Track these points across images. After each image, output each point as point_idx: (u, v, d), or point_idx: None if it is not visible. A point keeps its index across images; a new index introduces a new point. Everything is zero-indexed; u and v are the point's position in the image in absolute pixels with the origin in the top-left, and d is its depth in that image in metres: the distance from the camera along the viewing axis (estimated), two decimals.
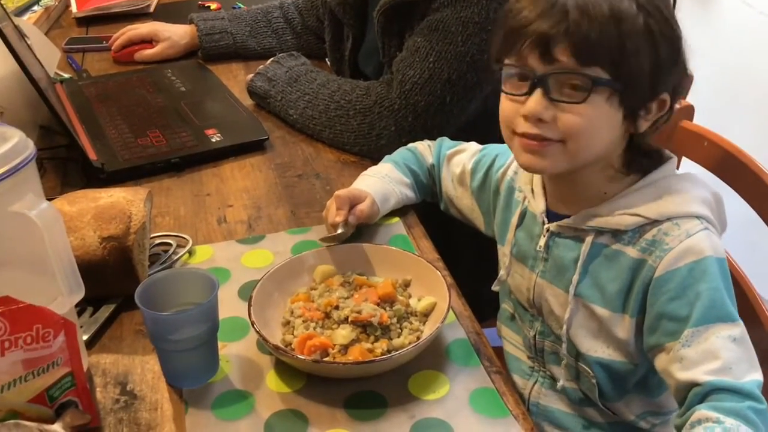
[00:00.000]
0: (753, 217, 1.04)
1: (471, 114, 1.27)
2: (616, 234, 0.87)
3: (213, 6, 1.96)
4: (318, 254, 1.01)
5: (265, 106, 1.45)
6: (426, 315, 0.94)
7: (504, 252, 1.01)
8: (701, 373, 0.78)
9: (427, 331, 0.91)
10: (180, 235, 1.11)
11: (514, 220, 0.99)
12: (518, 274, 0.99)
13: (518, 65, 0.84)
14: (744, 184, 1.06)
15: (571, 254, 0.91)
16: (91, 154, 1.26)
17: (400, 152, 1.17)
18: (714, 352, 0.79)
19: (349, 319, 0.90)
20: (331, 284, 0.97)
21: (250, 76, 1.47)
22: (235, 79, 1.60)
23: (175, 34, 1.71)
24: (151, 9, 1.98)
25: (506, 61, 0.85)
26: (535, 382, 1.01)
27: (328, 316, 0.92)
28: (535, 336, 0.99)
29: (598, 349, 0.91)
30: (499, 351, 0.99)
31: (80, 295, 0.82)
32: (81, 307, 0.96)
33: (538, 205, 0.95)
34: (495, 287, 1.04)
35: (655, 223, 0.85)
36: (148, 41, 1.72)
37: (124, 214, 0.96)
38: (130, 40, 1.71)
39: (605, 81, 0.80)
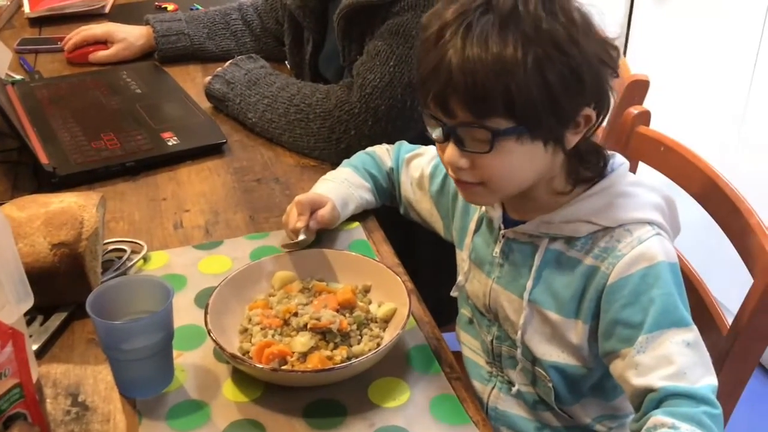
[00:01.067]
0: (708, 221, 1.06)
1: None
2: (570, 241, 0.87)
3: (170, 7, 1.93)
4: (277, 260, 1.00)
5: (223, 109, 1.43)
6: (386, 321, 0.93)
7: (462, 257, 1.01)
8: (656, 379, 0.79)
9: (388, 337, 0.90)
10: (135, 240, 1.09)
11: (472, 225, 0.99)
12: (476, 279, 0.99)
13: (431, 114, 0.84)
14: (699, 189, 1.07)
15: (525, 260, 0.91)
16: (43, 158, 1.23)
17: (359, 156, 1.16)
18: (668, 358, 0.79)
19: (308, 326, 0.88)
20: (290, 291, 0.96)
21: (208, 78, 1.45)
22: (193, 81, 1.58)
23: (131, 35, 1.68)
24: (107, 10, 1.95)
25: (424, 108, 0.85)
26: (493, 387, 1.01)
27: (286, 323, 0.90)
28: (492, 341, 0.98)
29: (552, 354, 0.91)
30: (458, 356, 0.98)
31: (29, 303, 0.80)
32: (31, 316, 0.93)
33: (494, 212, 0.95)
34: (453, 293, 1.04)
35: (607, 229, 0.85)
36: (103, 42, 1.68)
37: (75, 219, 0.94)
38: (84, 40, 1.68)
39: (505, 131, 0.79)
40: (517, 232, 0.91)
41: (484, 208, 0.97)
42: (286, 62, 1.62)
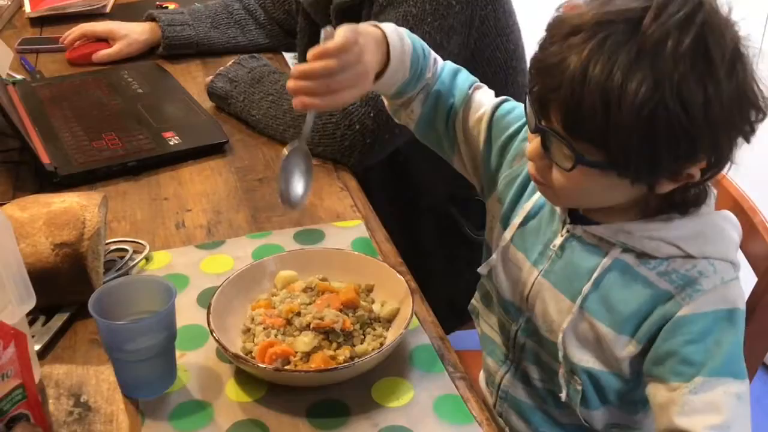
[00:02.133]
0: None
1: None
2: (643, 256, 0.83)
3: (171, 6, 1.93)
4: (279, 260, 0.99)
5: (225, 107, 1.42)
6: (389, 321, 0.93)
7: (503, 236, 0.95)
8: (700, 426, 0.76)
9: (391, 337, 0.90)
10: (136, 240, 1.08)
11: (527, 206, 0.93)
12: (514, 263, 0.94)
13: (529, 106, 0.81)
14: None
15: (587, 263, 0.86)
16: (44, 158, 1.23)
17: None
18: (718, 406, 0.77)
19: (312, 326, 0.88)
20: (292, 290, 0.96)
21: (210, 77, 1.44)
22: (194, 80, 1.57)
23: (134, 31, 1.67)
24: (107, 9, 1.94)
25: (528, 93, 0.81)
26: (507, 371, 0.99)
27: (289, 322, 0.90)
28: (517, 331, 0.95)
29: (590, 361, 0.87)
30: (462, 355, 0.97)
31: (31, 304, 0.79)
32: (33, 316, 0.93)
33: None
34: (483, 270, 0.97)
35: (689, 258, 0.81)
36: (104, 41, 1.68)
37: (77, 219, 0.93)
38: (84, 35, 1.67)
39: (591, 162, 0.76)
40: (588, 232, 0.86)
41: None
42: (294, 57, 1.61)
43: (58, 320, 0.93)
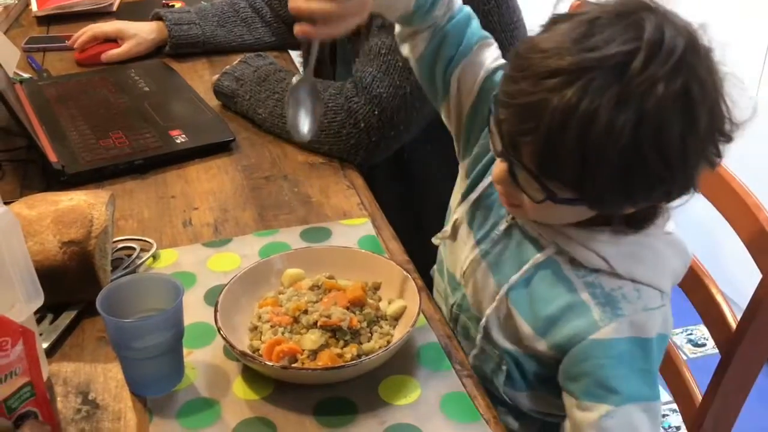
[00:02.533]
0: (716, 216, 1.05)
1: (433, 110, 1.27)
2: (575, 262, 0.83)
3: (177, 4, 1.93)
4: (286, 257, 0.99)
5: (231, 106, 1.43)
6: (396, 319, 0.93)
7: (459, 210, 0.95)
8: None
9: (398, 335, 0.90)
10: (144, 238, 1.08)
11: (485, 183, 0.93)
12: (461, 237, 0.95)
13: (494, 129, 0.78)
14: (707, 184, 1.06)
15: (522, 254, 0.87)
16: (52, 156, 1.23)
17: None
18: (635, 427, 0.79)
19: (319, 324, 0.88)
20: (299, 288, 0.96)
21: (216, 75, 1.45)
22: (201, 79, 1.57)
23: (142, 30, 1.68)
24: (114, 8, 1.95)
25: (493, 115, 0.79)
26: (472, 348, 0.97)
27: (296, 320, 0.90)
28: (453, 305, 0.96)
29: (509, 346, 0.88)
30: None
31: (39, 302, 0.79)
32: (40, 314, 0.93)
33: None
34: (436, 240, 0.99)
35: (615, 276, 0.81)
36: (112, 41, 1.68)
37: (85, 217, 0.94)
38: (95, 37, 1.68)
39: (562, 199, 0.75)
40: (529, 223, 0.87)
41: None
42: (299, 55, 1.62)
43: (66, 318, 0.94)
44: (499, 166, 0.82)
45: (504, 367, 0.90)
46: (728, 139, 0.75)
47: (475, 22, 0.96)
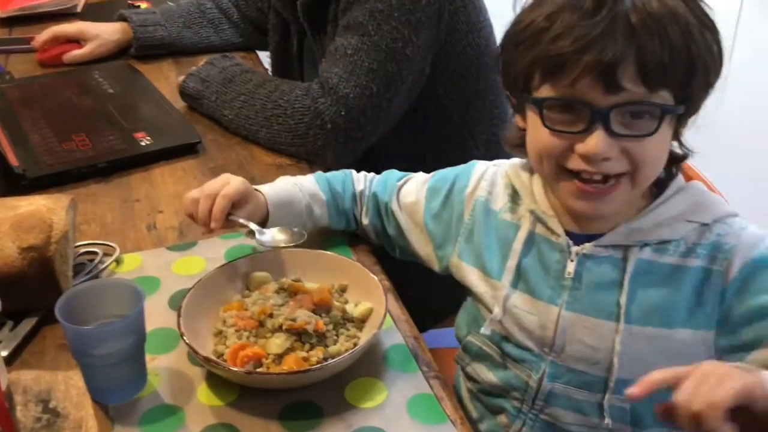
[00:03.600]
0: None
1: (400, 111, 1.28)
2: (659, 247, 0.82)
3: (143, 5, 1.91)
4: (252, 260, 0.98)
5: (197, 107, 1.41)
6: (363, 321, 0.92)
7: (501, 285, 0.89)
8: None
9: (364, 337, 0.89)
10: (107, 243, 1.07)
11: (517, 246, 0.88)
12: (524, 310, 0.88)
13: (568, 98, 0.75)
14: None
15: (609, 277, 0.83)
16: (13, 160, 1.21)
17: (333, 172, 1.09)
18: None
19: (284, 327, 0.87)
20: (265, 291, 0.95)
21: (182, 77, 1.43)
22: (166, 80, 1.56)
23: (105, 31, 1.65)
24: (79, 9, 1.92)
25: (546, 93, 0.77)
26: (523, 425, 0.91)
27: (261, 324, 0.89)
28: (541, 379, 0.88)
29: (648, 370, 0.79)
30: (436, 354, 0.96)
31: None
32: (0, 321, 0.91)
33: (555, 226, 0.86)
34: (487, 330, 0.90)
35: (703, 227, 0.82)
36: (75, 42, 1.66)
37: (44, 222, 0.92)
38: (55, 37, 1.65)
39: (673, 108, 0.76)
40: (598, 246, 0.83)
41: (531, 225, 0.88)
42: (269, 57, 1.61)
43: (26, 325, 0.92)
44: (591, 140, 0.75)
45: (627, 405, 0.84)
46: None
47: (393, 173, 1.06)
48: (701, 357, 0.82)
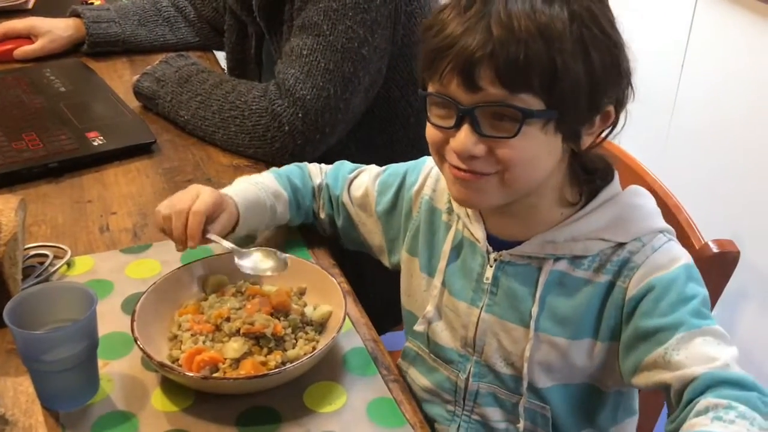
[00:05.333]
0: None
1: (358, 112, 1.27)
2: (575, 260, 0.82)
3: (96, 2, 1.87)
4: (208, 263, 0.97)
5: (152, 107, 1.39)
6: (322, 324, 0.92)
7: (431, 284, 0.92)
8: (698, 368, 0.73)
9: (324, 341, 0.88)
10: (58, 245, 1.04)
11: (446, 248, 0.91)
12: (450, 310, 0.90)
13: (441, 95, 0.76)
14: (629, 186, 1.08)
15: (525, 285, 0.84)
16: None
17: (287, 166, 1.09)
18: (706, 354, 0.74)
19: (242, 331, 0.86)
20: (222, 295, 0.93)
21: (137, 76, 1.40)
22: (120, 79, 1.52)
23: (56, 27, 1.61)
24: (30, 5, 1.87)
25: (429, 89, 0.78)
26: (458, 427, 0.93)
27: (218, 328, 0.87)
28: (467, 378, 0.90)
29: (555, 378, 0.86)
30: (396, 357, 0.96)
31: None
32: None
33: (476, 231, 0.87)
34: (419, 327, 0.93)
35: (619, 245, 0.81)
36: (26, 37, 1.62)
37: None
38: (5, 35, 1.61)
39: (537, 113, 0.73)
40: (514, 254, 0.84)
41: (459, 225, 0.90)
42: (225, 56, 1.59)
43: None
44: (459, 136, 0.76)
45: (549, 414, 0.87)
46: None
47: (345, 164, 1.07)
48: (607, 368, 0.84)
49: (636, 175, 1.06)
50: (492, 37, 0.71)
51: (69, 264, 1.01)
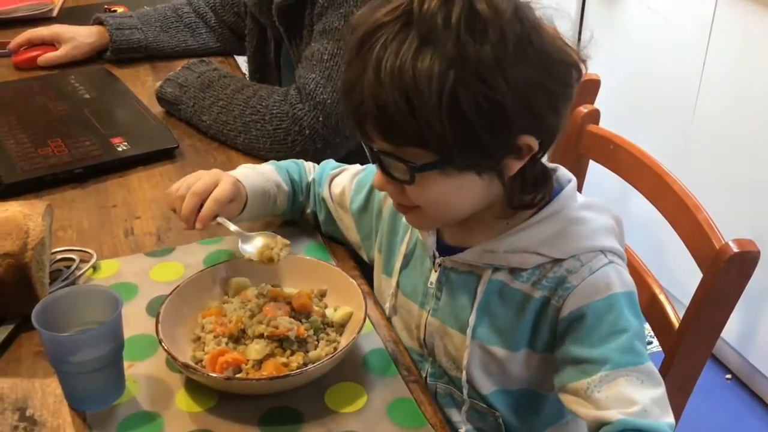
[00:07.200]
0: (658, 217, 1.07)
1: None
2: (514, 271, 0.82)
3: (119, 10, 1.90)
4: (231, 266, 0.98)
5: (175, 113, 1.40)
6: (343, 325, 0.93)
7: (389, 284, 0.95)
8: (614, 413, 0.74)
9: (344, 342, 0.89)
10: (83, 249, 1.06)
11: (403, 249, 0.93)
12: (405, 310, 0.93)
13: (361, 135, 0.78)
14: (648, 186, 1.09)
15: (466, 292, 0.85)
16: None
17: (285, 161, 1.10)
18: (626, 397, 0.75)
19: (266, 334, 0.87)
20: (245, 297, 0.94)
21: (159, 82, 1.42)
22: (143, 85, 1.55)
23: (80, 34, 1.64)
24: (54, 13, 1.90)
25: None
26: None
27: (243, 331, 0.89)
28: (426, 378, 0.92)
29: (497, 384, 0.87)
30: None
31: None
32: None
33: (428, 236, 0.88)
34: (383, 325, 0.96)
35: (557, 261, 0.80)
36: (50, 45, 1.65)
37: (20, 229, 0.91)
38: (30, 40, 1.64)
39: (422, 166, 0.73)
40: (456, 261, 0.85)
41: (417, 231, 0.91)
42: (246, 61, 1.60)
43: (3, 332, 0.91)
44: (376, 174, 0.81)
45: (500, 420, 0.88)
46: (576, 69, 0.74)
47: (330, 163, 1.09)
48: (547, 376, 0.84)
49: (655, 175, 1.07)
50: (364, 102, 0.72)
51: (95, 267, 1.03)
